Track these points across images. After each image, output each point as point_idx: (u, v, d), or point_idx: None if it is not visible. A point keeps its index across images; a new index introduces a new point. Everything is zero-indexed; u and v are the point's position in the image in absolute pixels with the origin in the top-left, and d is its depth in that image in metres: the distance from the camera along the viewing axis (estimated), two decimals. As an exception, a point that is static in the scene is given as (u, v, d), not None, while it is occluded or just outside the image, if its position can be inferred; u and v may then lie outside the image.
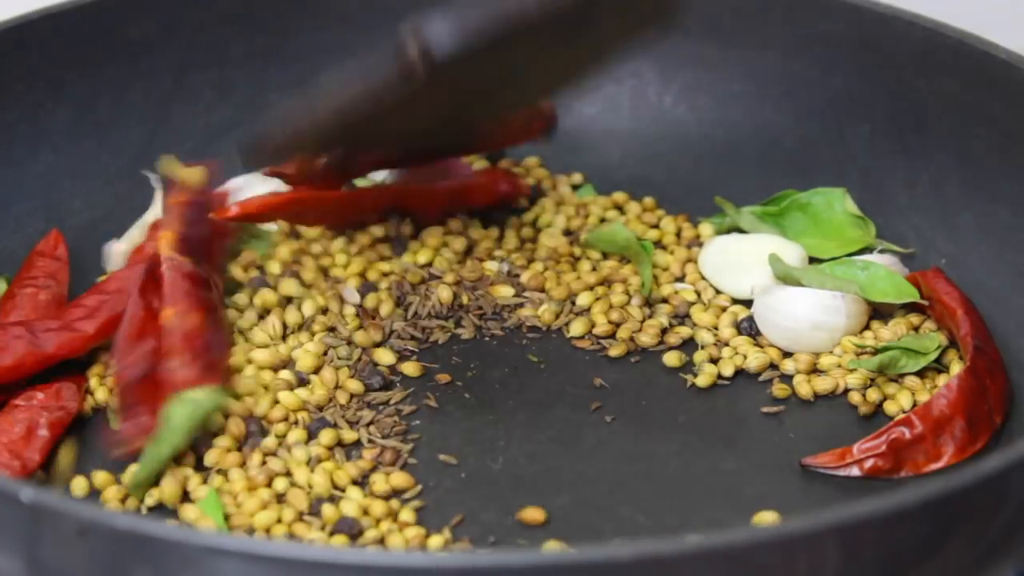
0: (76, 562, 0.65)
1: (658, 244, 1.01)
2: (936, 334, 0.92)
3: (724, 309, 0.95)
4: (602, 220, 1.02)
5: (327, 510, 0.79)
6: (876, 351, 0.90)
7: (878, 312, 0.94)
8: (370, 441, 0.85)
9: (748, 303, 0.96)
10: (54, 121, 1.01)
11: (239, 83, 1.06)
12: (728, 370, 0.91)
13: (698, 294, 0.96)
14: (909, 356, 0.90)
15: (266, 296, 0.93)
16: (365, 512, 0.80)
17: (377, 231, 0.99)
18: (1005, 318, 0.92)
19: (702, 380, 0.90)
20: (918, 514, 0.65)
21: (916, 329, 0.93)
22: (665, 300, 0.96)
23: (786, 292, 0.93)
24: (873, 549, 0.64)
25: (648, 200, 1.04)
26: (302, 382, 0.88)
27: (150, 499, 0.80)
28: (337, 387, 0.88)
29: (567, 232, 1.01)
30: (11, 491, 0.66)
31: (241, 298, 0.93)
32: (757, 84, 1.05)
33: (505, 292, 0.95)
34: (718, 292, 0.97)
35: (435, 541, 0.78)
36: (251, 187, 0.98)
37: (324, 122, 0.83)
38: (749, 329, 0.93)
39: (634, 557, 0.62)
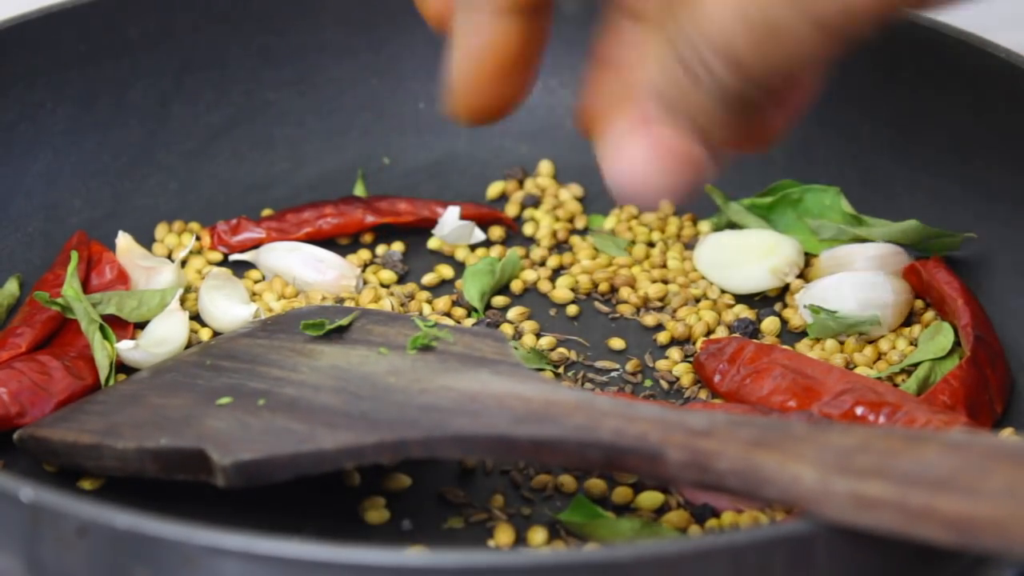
0: (76, 562, 0.65)
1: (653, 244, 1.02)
2: (944, 323, 0.92)
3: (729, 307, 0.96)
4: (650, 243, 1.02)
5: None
6: (902, 370, 0.90)
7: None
8: None
9: (747, 299, 0.96)
10: (54, 121, 1.01)
11: (239, 83, 1.06)
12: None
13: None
14: (937, 365, 0.90)
15: None
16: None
17: (366, 254, 1.01)
18: (1005, 318, 0.92)
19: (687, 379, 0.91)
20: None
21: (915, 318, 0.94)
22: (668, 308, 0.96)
23: (825, 281, 0.93)
24: (872, 549, 0.64)
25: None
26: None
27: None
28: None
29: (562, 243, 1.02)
30: (11, 491, 0.66)
31: None
32: (757, 84, 1.05)
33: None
34: (723, 291, 0.97)
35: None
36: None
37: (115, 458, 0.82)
38: (746, 330, 0.93)
39: (634, 557, 0.62)
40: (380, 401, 0.78)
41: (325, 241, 1.01)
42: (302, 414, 0.78)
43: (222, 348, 0.87)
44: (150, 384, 0.86)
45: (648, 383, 0.91)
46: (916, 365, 0.90)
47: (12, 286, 0.96)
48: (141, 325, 0.94)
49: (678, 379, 0.91)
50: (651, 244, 1.02)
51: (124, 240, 0.99)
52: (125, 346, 0.90)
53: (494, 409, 0.75)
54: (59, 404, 0.87)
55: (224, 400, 0.81)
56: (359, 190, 1.06)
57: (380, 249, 1.01)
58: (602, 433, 0.71)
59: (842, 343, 0.92)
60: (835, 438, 0.66)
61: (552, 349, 0.93)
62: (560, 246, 1.02)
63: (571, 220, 1.04)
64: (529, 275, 0.99)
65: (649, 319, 0.95)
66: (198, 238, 1.02)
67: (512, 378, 0.77)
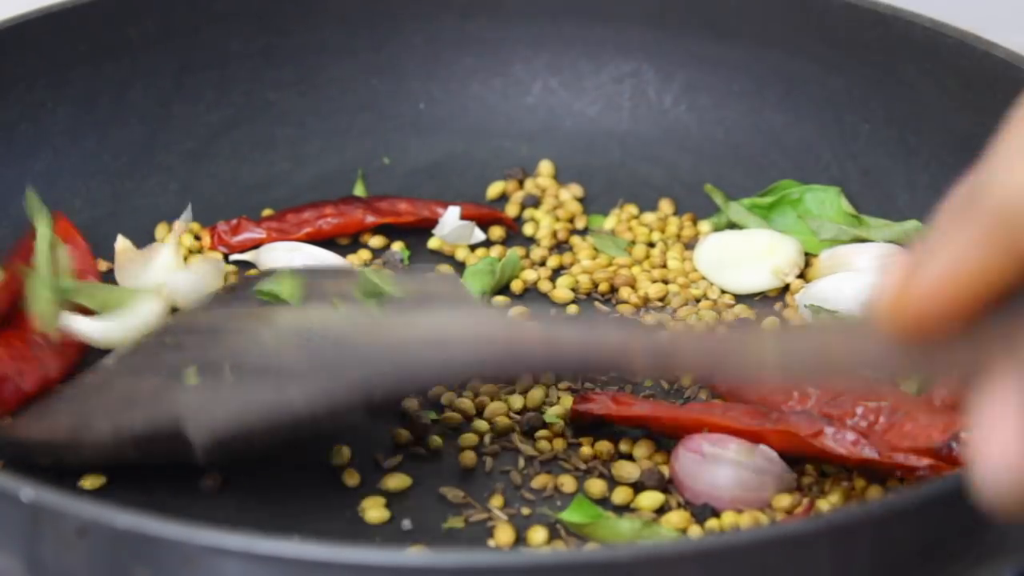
0: (76, 562, 0.65)
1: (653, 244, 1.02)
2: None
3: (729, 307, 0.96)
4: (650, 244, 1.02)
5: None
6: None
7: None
8: None
9: (747, 299, 0.97)
10: (54, 120, 1.01)
11: (239, 83, 1.06)
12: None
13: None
14: None
15: None
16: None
17: (366, 254, 1.00)
18: (1005, 318, 0.92)
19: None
20: (915, 515, 0.66)
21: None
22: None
23: (825, 281, 0.93)
24: (871, 549, 0.64)
25: (665, 203, 1.05)
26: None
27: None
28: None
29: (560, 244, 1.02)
30: (11, 491, 0.66)
31: None
32: (757, 83, 1.05)
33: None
34: (723, 291, 0.97)
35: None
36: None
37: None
38: (748, 329, 0.94)
39: (634, 557, 0.62)
40: (343, 351, 0.79)
41: (325, 241, 1.01)
42: (269, 377, 0.79)
43: (181, 324, 0.88)
44: (116, 370, 0.86)
45: (648, 383, 0.91)
46: (916, 365, 0.90)
47: (1, 277, 0.96)
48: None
49: (678, 379, 0.91)
50: (651, 244, 1.02)
51: (123, 244, 0.99)
52: (85, 324, 0.89)
53: (456, 342, 0.78)
54: (28, 397, 0.86)
55: (191, 375, 0.81)
56: (359, 190, 1.06)
57: (377, 241, 1.01)
58: (568, 360, 0.76)
59: (842, 343, 0.92)
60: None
61: (552, 349, 0.93)
62: (560, 246, 1.02)
63: (571, 220, 1.04)
64: (529, 275, 0.99)
65: (649, 319, 0.95)
66: (198, 238, 1.02)
67: (470, 313, 0.80)
